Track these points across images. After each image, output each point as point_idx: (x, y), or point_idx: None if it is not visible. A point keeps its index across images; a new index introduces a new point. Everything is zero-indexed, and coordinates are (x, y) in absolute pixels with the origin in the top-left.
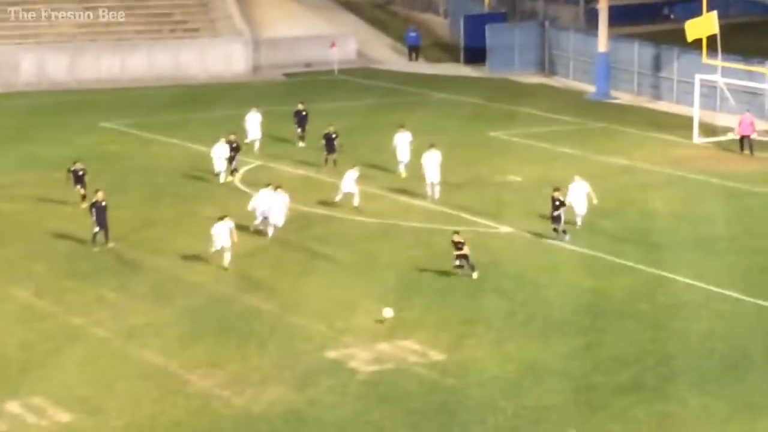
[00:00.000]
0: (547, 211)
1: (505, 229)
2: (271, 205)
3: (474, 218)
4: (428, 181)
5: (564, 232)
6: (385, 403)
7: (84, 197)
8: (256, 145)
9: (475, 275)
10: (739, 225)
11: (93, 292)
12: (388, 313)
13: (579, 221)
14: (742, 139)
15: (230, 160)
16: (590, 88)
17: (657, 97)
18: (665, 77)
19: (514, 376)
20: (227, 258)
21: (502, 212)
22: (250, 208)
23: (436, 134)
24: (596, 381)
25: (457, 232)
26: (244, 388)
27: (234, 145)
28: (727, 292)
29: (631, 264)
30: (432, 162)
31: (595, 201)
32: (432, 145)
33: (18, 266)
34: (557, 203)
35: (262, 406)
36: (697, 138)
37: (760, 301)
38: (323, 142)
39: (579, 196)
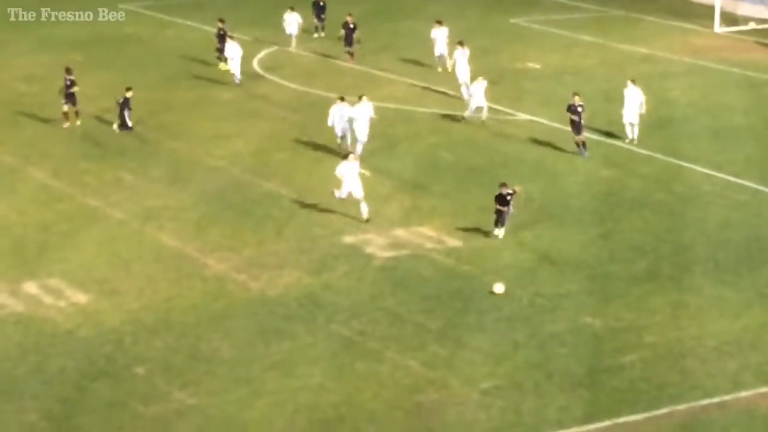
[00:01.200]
0: (566, 99)
1: (523, 116)
2: (352, 119)
3: (493, 105)
4: (460, 81)
5: (583, 145)
6: (401, 289)
7: (75, 115)
8: (294, 42)
9: (497, 231)
10: (758, 115)
11: (111, 174)
12: (499, 288)
13: (631, 134)
14: None
15: (219, 50)
16: None
17: None
18: None
19: (529, 264)
20: (364, 210)
21: (521, 100)
22: (329, 123)
23: (456, 21)
24: (612, 270)
25: (504, 184)
26: (261, 272)
27: (222, 32)
28: (744, 183)
29: (648, 153)
30: (461, 60)
31: (643, 110)
32: (460, 43)
33: (35, 147)
34: (579, 109)
35: (278, 290)
36: (719, 27)
37: None
38: (342, 32)
39: (632, 104)
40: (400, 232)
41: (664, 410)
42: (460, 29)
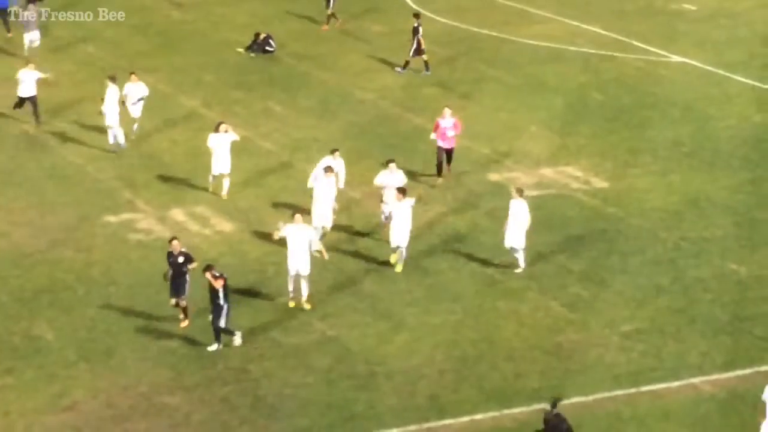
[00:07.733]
0: (721, 42)
1: (676, 58)
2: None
3: (645, 46)
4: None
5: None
6: (545, 228)
7: None
8: None
9: None
10: None
11: (260, 104)
12: None
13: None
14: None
15: None
16: None
17: None
18: None
19: (676, 208)
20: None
21: (675, 41)
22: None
23: None
24: (760, 216)
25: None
26: None
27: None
28: None
29: None
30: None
31: None
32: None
33: (188, 75)
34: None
35: (423, 225)
36: None
37: None
38: None
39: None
40: (547, 171)
41: None
42: None
